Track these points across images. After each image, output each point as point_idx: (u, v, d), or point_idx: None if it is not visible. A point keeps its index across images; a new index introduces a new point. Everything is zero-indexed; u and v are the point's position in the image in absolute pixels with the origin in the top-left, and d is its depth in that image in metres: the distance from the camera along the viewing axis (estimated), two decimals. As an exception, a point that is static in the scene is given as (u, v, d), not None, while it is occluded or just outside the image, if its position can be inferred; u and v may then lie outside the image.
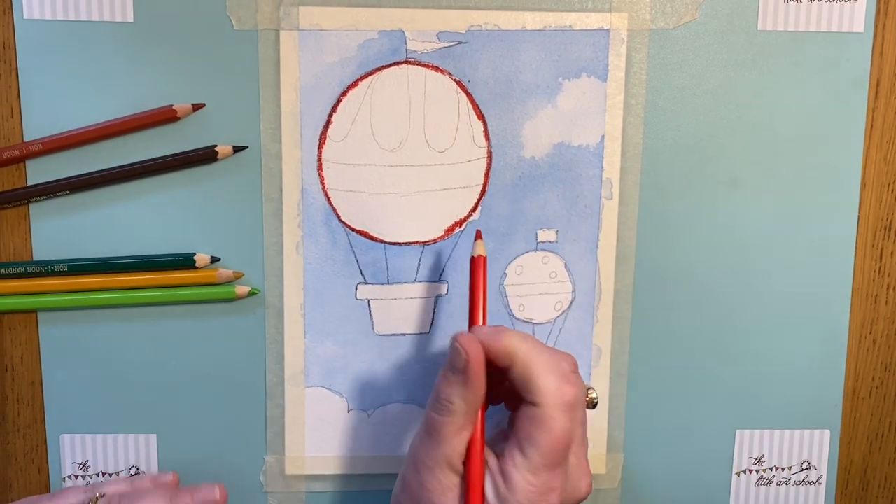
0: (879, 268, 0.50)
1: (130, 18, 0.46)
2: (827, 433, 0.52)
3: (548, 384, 0.40)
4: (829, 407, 0.51)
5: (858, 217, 0.50)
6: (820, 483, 0.52)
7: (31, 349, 0.49)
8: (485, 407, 0.41)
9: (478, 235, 0.46)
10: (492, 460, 0.41)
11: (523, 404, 0.40)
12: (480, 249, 0.45)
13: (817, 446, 0.52)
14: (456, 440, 0.40)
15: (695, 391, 0.51)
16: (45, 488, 0.50)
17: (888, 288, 0.51)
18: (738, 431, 0.51)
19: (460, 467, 0.41)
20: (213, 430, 0.50)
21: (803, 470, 0.52)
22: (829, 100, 0.49)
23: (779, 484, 0.52)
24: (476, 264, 0.44)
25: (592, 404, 0.44)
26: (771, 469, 0.52)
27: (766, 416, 0.51)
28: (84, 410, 0.49)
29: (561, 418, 0.39)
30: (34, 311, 0.48)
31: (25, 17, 0.46)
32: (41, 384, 0.49)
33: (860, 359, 0.51)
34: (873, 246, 0.50)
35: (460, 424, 0.40)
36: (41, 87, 0.46)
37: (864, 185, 0.50)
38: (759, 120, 0.49)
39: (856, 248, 0.50)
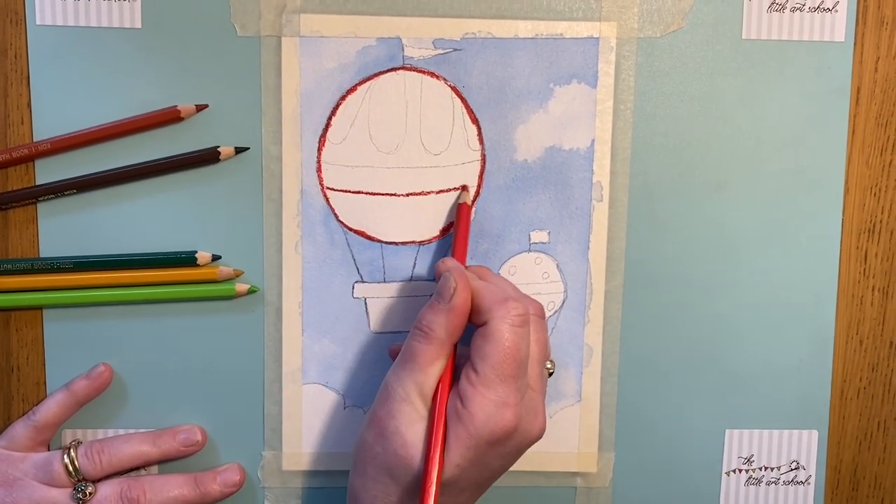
0: (864, 269, 0.52)
1: (139, 25, 0.48)
2: (815, 433, 0.53)
3: (493, 302, 0.42)
4: (817, 407, 0.52)
5: (843, 220, 0.51)
6: (809, 483, 0.53)
7: (37, 349, 0.50)
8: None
9: (464, 188, 0.49)
10: (453, 389, 0.42)
11: (476, 329, 0.43)
12: (466, 198, 0.49)
13: (806, 446, 0.53)
14: (430, 369, 0.42)
15: (684, 391, 0.52)
16: (46, 483, 0.51)
17: (873, 289, 0.52)
18: (727, 431, 0.52)
19: (430, 400, 0.42)
20: (211, 426, 0.51)
21: (792, 470, 0.53)
22: (811, 106, 0.50)
23: (768, 484, 0.53)
24: (459, 210, 0.48)
25: (549, 373, 0.46)
26: (760, 469, 0.53)
27: (755, 415, 0.52)
28: (86, 407, 0.50)
29: (507, 331, 0.41)
30: (40, 308, 0.50)
31: (38, 22, 0.48)
32: (45, 384, 0.50)
33: (847, 359, 0.52)
34: (858, 248, 0.52)
35: (436, 354, 0.42)
36: (51, 90, 0.48)
37: (847, 189, 0.51)
38: (745, 125, 0.50)
39: (840, 250, 0.51)
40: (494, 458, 0.42)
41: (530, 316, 0.43)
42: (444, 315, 0.42)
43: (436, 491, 0.40)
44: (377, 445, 0.42)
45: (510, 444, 0.42)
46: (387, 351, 0.51)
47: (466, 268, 0.46)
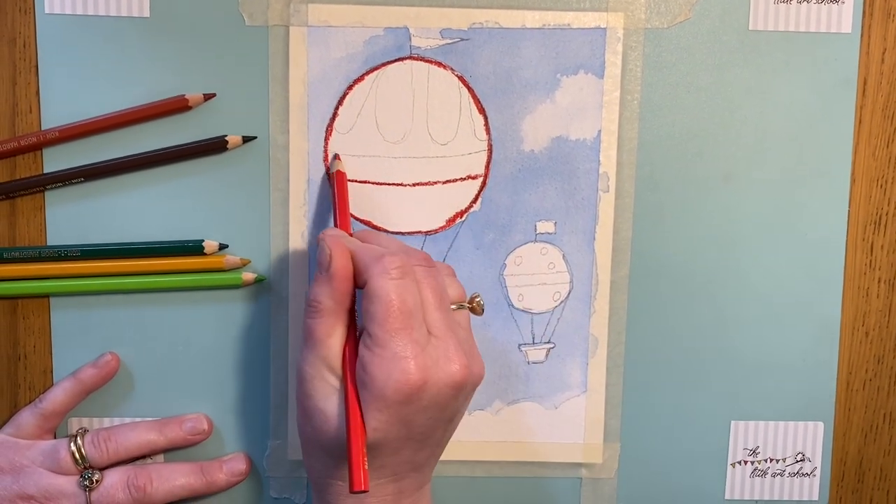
0: (870, 261, 0.52)
1: (147, 13, 0.48)
2: (821, 425, 0.53)
3: (369, 260, 0.42)
4: (823, 399, 0.52)
5: (849, 211, 0.51)
6: (814, 475, 0.53)
7: (44, 338, 0.50)
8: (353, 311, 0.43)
9: (336, 157, 0.49)
10: (358, 358, 0.42)
11: (362, 293, 0.42)
12: (339, 166, 0.48)
13: (811, 438, 0.53)
14: (330, 341, 0.42)
15: (690, 381, 0.52)
16: (52, 471, 0.51)
17: (879, 281, 0.52)
18: (732, 422, 0.52)
19: (339, 370, 0.42)
20: (217, 415, 0.51)
21: (798, 462, 0.53)
22: (818, 97, 0.50)
23: (773, 475, 0.53)
24: (338, 178, 0.48)
25: (481, 308, 0.45)
26: (766, 460, 0.53)
27: (761, 407, 0.52)
28: (92, 395, 0.50)
29: (385, 284, 0.41)
30: (47, 296, 0.50)
31: (46, 11, 0.48)
32: (52, 372, 0.50)
33: (853, 351, 0.52)
34: (864, 240, 0.52)
35: (331, 324, 0.42)
36: (60, 79, 0.48)
37: (853, 181, 0.51)
38: (751, 117, 0.50)
39: (846, 242, 0.51)
40: (416, 414, 0.41)
41: (412, 266, 0.42)
42: (326, 284, 0.42)
43: (362, 457, 0.40)
44: (306, 426, 0.43)
45: (426, 395, 0.41)
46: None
47: (351, 234, 0.45)
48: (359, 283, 0.43)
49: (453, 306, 0.44)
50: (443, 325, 0.42)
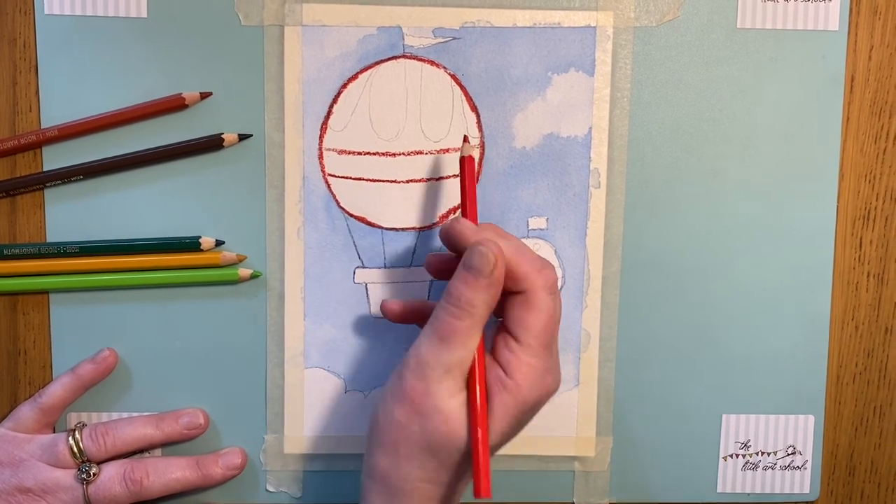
0: (859, 256, 0.52)
1: (144, 14, 0.49)
2: (812, 418, 0.53)
3: (530, 270, 0.42)
4: (813, 392, 0.53)
5: (837, 207, 0.52)
6: (805, 468, 0.53)
7: (43, 333, 0.51)
8: None
9: (465, 140, 0.49)
10: (487, 357, 0.43)
11: (509, 296, 0.43)
12: (469, 150, 0.47)
13: (802, 431, 0.53)
14: (471, 343, 0.42)
15: (682, 376, 0.52)
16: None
17: (868, 275, 0.52)
18: (724, 416, 0.53)
19: (467, 373, 0.42)
20: (214, 409, 0.52)
21: (789, 455, 0.53)
22: (806, 94, 0.51)
23: (765, 468, 0.53)
24: (467, 163, 0.47)
25: None
26: (757, 454, 0.53)
27: (752, 400, 0.53)
28: (91, 390, 0.51)
29: (547, 298, 0.42)
30: (46, 292, 0.50)
31: (46, 12, 0.49)
32: (51, 367, 0.51)
33: (843, 345, 0.53)
34: (853, 234, 0.52)
35: (477, 329, 0.42)
36: (59, 78, 0.49)
37: (842, 176, 0.52)
38: (740, 114, 0.51)
39: (836, 237, 0.52)
40: (529, 420, 0.44)
41: (556, 286, 0.43)
42: (484, 291, 0.42)
43: (487, 463, 0.40)
44: (413, 424, 0.41)
45: (541, 403, 0.43)
46: (387, 336, 0.52)
47: (477, 224, 0.45)
48: (510, 287, 0.43)
49: None
50: (560, 340, 0.45)
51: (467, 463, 0.42)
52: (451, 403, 0.41)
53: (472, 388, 0.42)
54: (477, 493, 0.40)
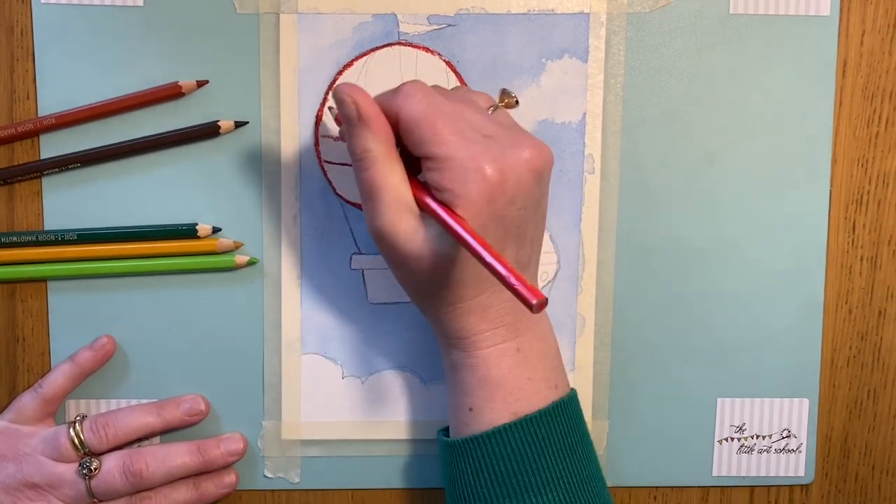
0: (853, 240, 0.53)
1: (140, 2, 0.49)
2: (806, 402, 0.53)
3: (390, 97, 0.42)
4: (807, 376, 0.53)
5: (831, 191, 0.52)
6: (800, 451, 0.54)
7: (41, 320, 0.51)
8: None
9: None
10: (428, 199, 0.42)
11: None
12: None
13: (797, 414, 0.53)
14: (393, 182, 0.42)
15: (677, 359, 0.53)
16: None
17: (861, 259, 0.53)
18: (719, 399, 0.53)
19: (415, 206, 0.42)
20: (212, 396, 0.52)
21: (783, 438, 0.53)
22: (799, 80, 0.51)
23: (760, 452, 0.53)
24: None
25: (515, 100, 0.46)
26: (752, 437, 0.53)
27: (747, 384, 0.53)
28: (89, 378, 0.51)
29: (416, 106, 0.41)
30: (44, 280, 0.51)
31: (43, 1, 0.49)
32: (49, 354, 0.51)
33: (837, 328, 0.53)
34: (846, 218, 0.52)
35: (388, 167, 0.42)
36: (56, 67, 0.49)
37: (835, 160, 0.52)
38: (733, 99, 0.51)
39: (829, 220, 0.52)
40: (505, 209, 0.41)
41: (419, 85, 0.42)
42: (365, 132, 0.42)
43: (514, 270, 0.38)
44: (407, 280, 0.44)
45: (509, 187, 0.41)
46: (384, 322, 0.52)
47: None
48: (392, 123, 0.42)
49: (490, 110, 0.44)
50: (490, 124, 0.42)
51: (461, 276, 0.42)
52: (413, 244, 0.42)
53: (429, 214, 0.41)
54: (529, 306, 0.38)
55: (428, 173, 0.42)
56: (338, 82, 0.45)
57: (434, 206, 0.41)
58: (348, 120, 0.42)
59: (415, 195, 0.42)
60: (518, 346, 0.45)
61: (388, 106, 0.42)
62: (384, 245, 0.43)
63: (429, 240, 0.42)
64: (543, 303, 0.37)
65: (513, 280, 0.38)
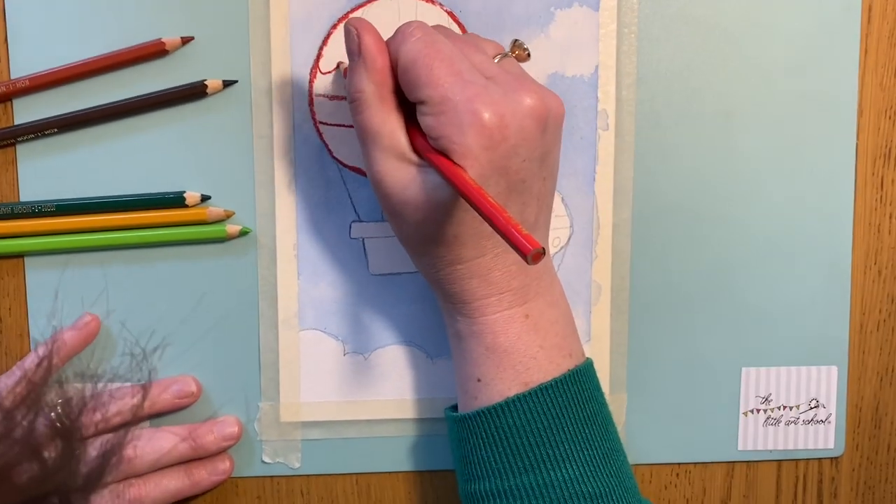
0: (881, 196, 0.50)
1: (119, -46, 0.46)
2: (834, 369, 0.51)
3: (391, 40, 0.40)
4: (835, 342, 0.50)
5: (857, 145, 0.49)
6: (829, 422, 0.51)
7: (19, 299, 0.48)
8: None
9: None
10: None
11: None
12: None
13: (825, 383, 0.51)
14: (388, 128, 0.40)
15: (698, 328, 0.50)
16: (32, 440, 0.49)
17: (891, 217, 0.50)
18: (743, 369, 0.50)
19: (411, 154, 0.40)
20: (203, 377, 0.49)
21: (812, 408, 0.51)
22: (821, 26, 0.48)
23: (787, 423, 0.51)
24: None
25: (526, 52, 0.43)
26: (779, 408, 0.51)
27: (772, 352, 0.50)
28: (72, 359, 0.48)
29: (414, 46, 0.39)
30: (21, 255, 0.48)
31: (13, -47, 0.46)
32: (28, 335, 0.48)
33: (866, 291, 0.50)
34: (873, 174, 0.50)
35: (384, 111, 0.40)
36: (29, 24, 0.46)
37: (860, 112, 0.49)
38: (752, 48, 0.48)
39: (856, 176, 0.50)
40: (507, 158, 0.39)
41: (419, 25, 0.40)
42: (361, 70, 0.40)
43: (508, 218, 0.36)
44: (404, 228, 0.41)
45: (510, 133, 0.38)
46: (387, 295, 0.49)
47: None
48: (394, 68, 0.40)
49: (496, 59, 0.42)
50: (493, 67, 0.40)
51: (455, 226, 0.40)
52: (409, 192, 0.40)
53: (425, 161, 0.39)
54: (525, 256, 0.34)
55: (423, 119, 0.39)
56: (350, 18, 0.42)
57: (430, 154, 0.39)
58: (350, 54, 0.41)
59: (414, 144, 0.40)
60: (527, 312, 0.42)
61: (389, 48, 0.40)
62: (379, 194, 0.41)
63: (426, 189, 0.39)
64: (540, 252, 0.34)
65: (503, 222, 0.35)
